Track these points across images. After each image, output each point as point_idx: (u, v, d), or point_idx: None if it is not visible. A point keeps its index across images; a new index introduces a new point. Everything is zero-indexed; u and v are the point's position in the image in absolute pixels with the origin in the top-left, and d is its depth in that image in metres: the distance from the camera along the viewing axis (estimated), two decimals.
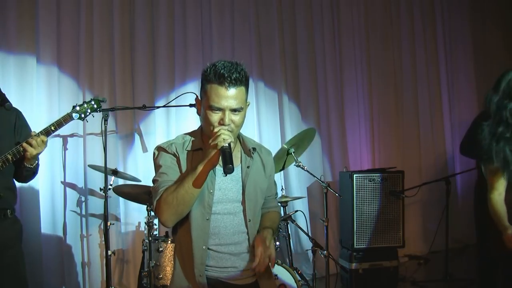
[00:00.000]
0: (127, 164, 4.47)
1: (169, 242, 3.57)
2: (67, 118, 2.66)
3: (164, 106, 4.17)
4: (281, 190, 4.19)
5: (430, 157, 5.89)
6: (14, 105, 2.70)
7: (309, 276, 4.09)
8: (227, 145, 1.80)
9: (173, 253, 2.07)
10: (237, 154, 2.03)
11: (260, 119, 5.00)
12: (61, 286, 4.23)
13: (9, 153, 2.52)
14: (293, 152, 3.80)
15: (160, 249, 3.54)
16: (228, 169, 1.79)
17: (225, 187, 1.99)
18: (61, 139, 4.25)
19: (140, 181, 4.00)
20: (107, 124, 3.56)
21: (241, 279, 2.00)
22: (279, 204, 3.50)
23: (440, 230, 5.00)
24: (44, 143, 2.55)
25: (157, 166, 1.99)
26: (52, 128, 2.60)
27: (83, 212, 4.33)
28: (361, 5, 5.63)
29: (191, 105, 3.84)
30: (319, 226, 5.00)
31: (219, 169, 1.96)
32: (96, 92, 4.39)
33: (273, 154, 3.93)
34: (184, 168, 1.96)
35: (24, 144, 2.50)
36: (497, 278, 2.77)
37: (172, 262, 3.53)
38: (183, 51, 4.71)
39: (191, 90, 4.30)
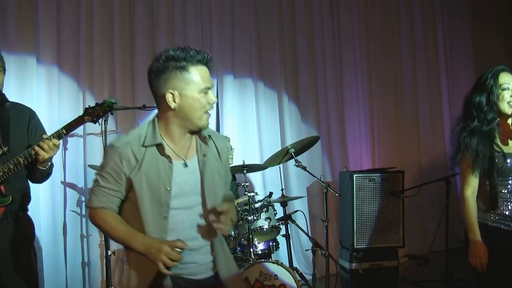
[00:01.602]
0: None
1: None
2: (79, 121, 2.61)
3: None
4: (281, 190, 4.19)
5: (430, 157, 5.89)
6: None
7: (309, 276, 4.09)
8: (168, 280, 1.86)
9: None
10: (192, 143, 1.97)
11: (260, 119, 5.00)
12: (61, 286, 4.22)
13: (21, 156, 2.49)
14: (293, 152, 3.81)
15: None
16: None
17: (181, 181, 1.91)
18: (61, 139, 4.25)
19: None
20: (107, 124, 3.56)
21: (202, 273, 1.96)
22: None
23: (440, 230, 5.00)
24: (57, 147, 2.51)
25: (103, 164, 1.93)
26: (64, 131, 2.56)
27: (83, 212, 4.33)
28: (361, 10, 5.63)
29: None
30: (319, 226, 5.00)
31: (176, 163, 1.91)
32: (96, 92, 4.39)
33: (273, 154, 3.96)
34: (137, 164, 1.88)
35: (36, 148, 2.47)
36: (497, 278, 2.77)
37: None
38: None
39: None
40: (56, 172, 4.24)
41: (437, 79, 6.02)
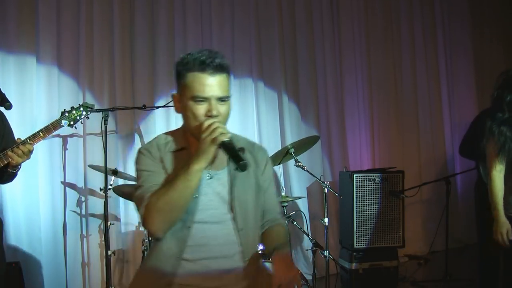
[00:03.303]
0: (127, 164, 4.47)
1: None
2: (56, 125, 2.62)
3: (164, 106, 4.18)
4: (281, 190, 4.19)
5: (430, 157, 5.89)
6: (14, 105, 2.69)
7: (309, 276, 4.09)
8: (228, 139, 1.63)
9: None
10: (221, 154, 1.76)
11: (260, 119, 5.00)
12: (61, 286, 4.22)
13: None
14: (293, 152, 3.81)
15: None
16: (242, 166, 1.59)
17: (211, 192, 1.75)
18: (61, 139, 4.25)
19: None
20: (107, 124, 3.56)
21: None
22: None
23: (440, 230, 5.00)
24: (30, 152, 2.48)
25: (139, 171, 1.77)
26: (41, 134, 2.54)
27: (83, 212, 4.33)
28: (361, 12, 5.63)
29: None
30: (319, 226, 5.00)
31: (204, 171, 1.72)
32: (96, 92, 4.39)
33: (273, 154, 3.96)
34: (169, 170, 1.74)
35: (10, 153, 2.44)
36: (497, 278, 2.78)
37: None
38: (183, 51, 4.68)
39: None
40: (56, 172, 4.26)
41: (437, 82, 6.02)
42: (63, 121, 2.65)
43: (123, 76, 4.50)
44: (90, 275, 4.31)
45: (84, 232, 4.32)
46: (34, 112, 4.10)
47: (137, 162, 1.80)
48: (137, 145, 4.53)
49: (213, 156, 1.67)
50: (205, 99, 1.69)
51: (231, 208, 1.76)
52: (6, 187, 3.96)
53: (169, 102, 4.10)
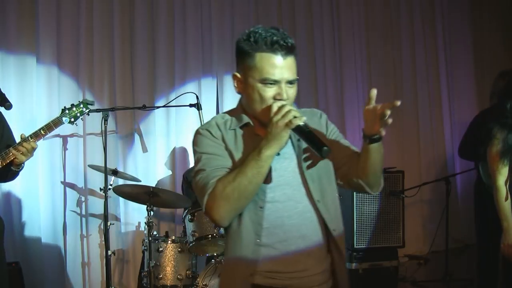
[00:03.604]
0: (127, 164, 4.47)
1: (169, 242, 3.58)
2: (57, 122, 2.62)
3: (164, 106, 4.18)
4: None
5: (430, 157, 5.89)
6: (14, 105, 2.68)
7: None
8: (303, 123, 1.51)
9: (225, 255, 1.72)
10: None
11: None
12: (61, 286, 4.23)
13: None
14: None
15: (160, 249, 3.54)
16: (325, 152, 1.48)
17: (279, 167, 1.62)
18: (61, 139, 4.25)
19: (140, 181, 4.00)
20: (107, 124, 3.56)
21: (315, 286, 1.61)
22: None
23: (440, 230, 4.99)
24: (34, 150, 2.49)
25: (198, 154, 1.64)
26: (42, 132, 2.54)
27: (83, 212, 4.33)
28: (361, 4, 5.62)
29: (191, 105, 3.84)
30: None
31: None
32: (96, 92, 4.39)
33: None
34: (233, 150, 1.63)
35: (14, 151, 2.44)
36: (497, 278, 2.77)
37: (173, 262, 3.54)
38: (183, 50, 4.71)
39: (191, 90, 4.31)
40: (56, 172, 4.26)
41: (437, 77, 6.00)
42: (63, 118, 2.65)
43: (123, 76, 4.50)
44: (90, 275, 4.31)
45: (84, 232, 4.32)
46: (34, 112, 4.10)
47: (196, 144, 1.66)
48: (137, 145, 4.53)
49: (287, 140, 1.57)
50: (275, 82, 1.58)
51: (303, 182, 1.63)
52: (7, 187, 3.98)
53: (169, 102, 4.11)
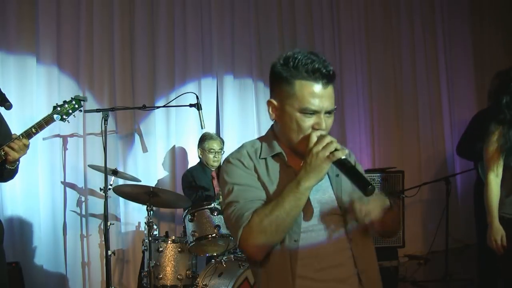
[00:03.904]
0: (127, 164, 4.47)
1: (169, 242, 3.57)
2: (48, 120, 2.58)
3: (164, 106, 4.18)
4: None
5: (430, 157, 5.89)
6: (14, 105, 2.68)
7: None
8: (345, 157, 1.46)
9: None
10: None
11: (260, 119, 5.00)
12: (61, 286, 4.23)
13: None
14: None
15: (160, 249, 3.53)
16: (370, 191, 1.42)
17: (313, 199, 1.56)
18: (61, 139, 4.25)
19: (140, 181, 4.00)
20: (107, 124, 3.56)
21: None
22: None
23: (440, 230, 4.99)
24: (27, 147, 2.47)
25: (230, 185, 1.56)
26: (33, 130, 2.52)
27: (83, 212, 4.33)
28: (361, 8, 5.63)
29: (191, 105, 3.84)
30: None
31: None
32: (96, 92, 4.39)
33: None
34: (266, 181, 1.56)
35: (6, 148, 2.43)
36: (497, 278, 2.78)
37: (173, 262, 3.54)
38: (183, 51, 4.71)
39: (191, 90, 4.31)
40: (56, 172, 4.26)
41: (437, 79, 6.01)
42: (55, 116, 2.60)
43: (123, 76, 4.50)
44: (90, 275, 4.31)
45: (84, 232, 4.32)
46: (34, 112, 4.09)
47: (227, 173, 1.59)
48: (137, 145, 4.52)
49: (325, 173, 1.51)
50: (315, 112, 1.52)
51: (340, 215, 1.59)
52: (6, 187, 3.97)
53: (169, 102, 4.11)
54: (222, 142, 4.19)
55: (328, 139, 1.48)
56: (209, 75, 4.83)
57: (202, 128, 3.81)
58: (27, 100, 4.13)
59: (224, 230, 3.37)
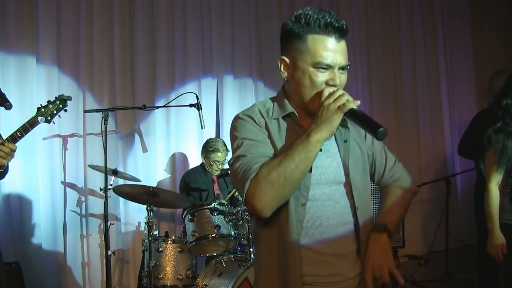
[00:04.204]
0: (127, 164, 4.47)
1: (169, 242, 3.57)
2: (32, 123, 2.55)
3: (164, 106, 4.18)
4: None
5: (430, 157, 5.89)
6: (14, 105, 2.68)
7: None
8: (357, 107, 1.42)
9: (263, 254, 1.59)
10: None
11: None
12: (61, 286, 4.23)
13: None
14: None
15: (160, 249, 3.53)
16: (381, 134, 1.38)
17: (322, 165, 1.53)
18: (61, 139, 4.25)
19: (140, 181, 4.00)
20: (107, 124, 3.55)
21: None
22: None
23: (440, 230, 4.99)
24: (13, 151, 2.46)
25: (239, 139, 1.52)
26: (18, 134, 2.50)
27: (83, 212, 4.33)
28: (361, 11, 5.63)
29: (191, 105, 3.84)
30: None
31: None
32: (96, 92, 4.39)
33: None
34: (276, 140, 1.53)
35: None
36: (497, 278, 2.77)
37: (173, 262, 3.54)
38: (183, 51, 4.71)
39: (191, 90, 4.31)
40: (56, 172, 4.26)
41: (437, 80, 6.01)
42: (39, 118, 2.55)
43: (123, 76, 4.50)
44: (90, 275, 4.31)
45: (84, 232, 4.32)
46: (34, 112, 4.08)
47: (236, 129, 1.54)
48: (137, 145, 4.52)
49: (338, 125, 1.46)
50: (328, 67, 1.48)
51: (346, 184, 1.56)
52: (6, 187, 3.98)
53: (169, 102, 4.11)
54: (227, 150, 4.08)
55: (340, 92, 1.44)
56: (209, 75, 4.83)
57: (202, 128, 3.81)
58: (27, 100, 4.13)
59: (224, 230, 3.37)
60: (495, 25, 6.40)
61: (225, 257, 3.32)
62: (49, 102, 2.62)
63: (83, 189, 4.32)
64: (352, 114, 1.43)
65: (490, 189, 2.55)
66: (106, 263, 3.62)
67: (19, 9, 4.17)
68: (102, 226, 4.16)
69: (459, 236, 5.68)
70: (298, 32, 1.50)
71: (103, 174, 3.59)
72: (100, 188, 3.71)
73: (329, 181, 1.54)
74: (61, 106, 2.60)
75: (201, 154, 4.17)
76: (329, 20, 1.47)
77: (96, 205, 4.32)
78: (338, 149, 1.58)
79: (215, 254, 3.46)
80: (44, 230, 4.14)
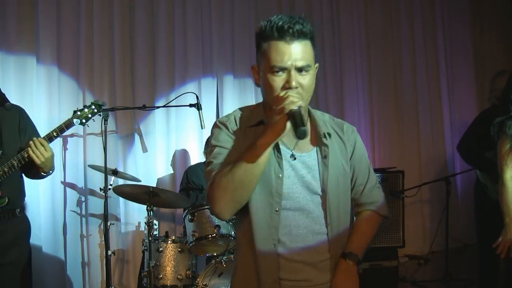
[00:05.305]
0: (127, 164, 4.47)
1: (169, 242, 3.57)
2: (68, 124, 2.68)
3: (164, 106, 4.18)
4: None
5: (430, 157, 5.89)
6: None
7: None
8: (297, 108, 1.42)
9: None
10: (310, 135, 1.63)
11: None
12: (61, 286, 4.23)
13: (14, 159, 2.53)
14: None
15: (160, 249, 3.53)
16: (300, 132, 1.40)
17: (294, 175, 1.57)
18: (61, 139, 4.25)
19: (140, 181, 4.00)
20: (107, 124, 3.55)
21: None
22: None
23: (440, 230, 5.00)
24: (46, 150, 2.54)
25: (212, 146, 1.61)
26: (54, 134, 2.62)
27: (83, 212, 4.33)
28: (361, 12, 5.63)
29: (191, 105, 3.84)
30: None
31: (284, 150, 1.58)
32: (96, 92, 4.39)
33: None
34: (243, 147, 1.57)
35: (30, 153, 2.52)
36: (497, 278, 2.77)
37: (173, 262, 3.54)
38: (183, 51, 4.71)
39: (191, 90, 4.31)
40: (56, 172, 4.23)
41: (437, 80, 6.02)
42: (74, 120, 2.71)
43: (123, 76, 4.50)
44: (90, 275, 4.31)
45: (84, 232, 4.32)
46: (34, 112, 4.08)
47: (213, 135, 1.64)
48: (137, 145, 4.53)
49: (284, 128, 1.45)
50: (283, 70, 1.49)
51: (322, 196, 1.60)
52: None
53: (169, 102, 4.11)
54: None
55: (287, 94, 1.44)
56: (209, 75, 4.83)
57: (202, 128, 3.81)
58: (27, 100, 4.12)
59: (224, 230, 3.38)
60: (495, 26, 6.41)
61: (225, 257, 3.32)
62: (85, 106, 2.80)
63: (83, 189, 4.32)
64: (290, 116, 1.43)
65: (506, 181, 2.44)
66: (106, 263, 3.62)
67: (19, 10, 4.16)
68: (102, 226, 4.17)
69: (459, 236, 5.68)
70: (259, 40, 1.55)
71: (103, 174, 3.59)
72: (100, 188, 3.71)
73: (303, 192, 1.58)
74: (96, 110, 2.79)
75: (204, 153, 4.19)
76: (281, 24, 1.49)
77: (96, 205, 4.32)
78: (317, 161, 1.61)
79: (215, 254, 3.46)
80: (44, 230, 4.14)
